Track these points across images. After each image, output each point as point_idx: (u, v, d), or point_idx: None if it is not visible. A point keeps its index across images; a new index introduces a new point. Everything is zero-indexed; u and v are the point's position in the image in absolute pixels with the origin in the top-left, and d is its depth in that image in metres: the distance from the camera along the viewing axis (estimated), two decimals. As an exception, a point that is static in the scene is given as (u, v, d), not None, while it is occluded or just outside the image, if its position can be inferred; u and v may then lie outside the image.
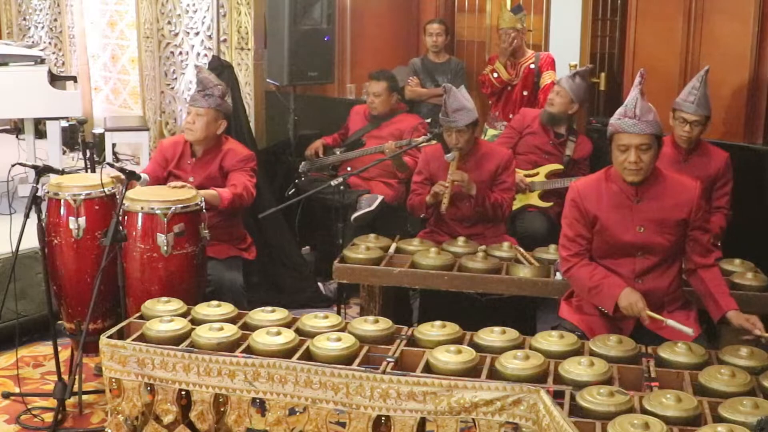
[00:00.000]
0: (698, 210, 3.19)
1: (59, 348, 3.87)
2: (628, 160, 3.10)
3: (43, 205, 3.76)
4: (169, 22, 6.22)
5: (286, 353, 2.90)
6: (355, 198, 5.14)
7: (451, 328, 3.09)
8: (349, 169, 5.30)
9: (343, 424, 2.90)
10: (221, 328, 3.02)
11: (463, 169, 4.15)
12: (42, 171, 3.76)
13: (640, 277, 3.24)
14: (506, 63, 5.63)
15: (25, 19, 8.37)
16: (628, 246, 3.22)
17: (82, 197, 3.75)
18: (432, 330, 3.07)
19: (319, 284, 5.22)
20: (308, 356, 2.91)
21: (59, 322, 3.96)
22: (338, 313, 4.15)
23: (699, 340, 3.11)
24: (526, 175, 4.94)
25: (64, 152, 6.49)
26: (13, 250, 3.76)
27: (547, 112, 4.91)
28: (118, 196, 3.72)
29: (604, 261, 3.29)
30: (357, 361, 2.87)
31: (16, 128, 7.13)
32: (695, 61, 4.99)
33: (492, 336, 3.02)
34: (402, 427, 2.76)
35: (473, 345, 2.99)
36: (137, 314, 3.29)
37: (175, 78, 6.32)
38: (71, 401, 3.70)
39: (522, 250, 4.04)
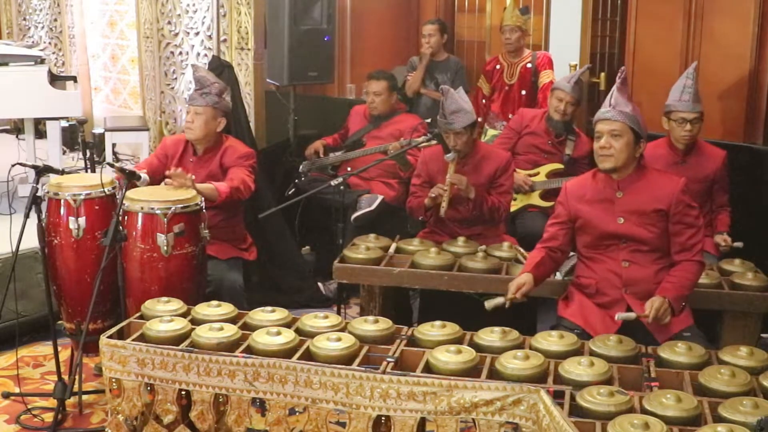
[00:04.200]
0: (678, 204, 3.26)
1: (59, 348, 3.87)
2: (599, 145, 3.25)
3: (43, 205, 3.76)
4: (169, 22, 6.21)
5: (286, 353, 2.90)
6: (355, 198, 5.15)
7: (451, 328, 3.09)
8: (349, 169, 5.30)
9: (343, 424, 2.90)
10: (221, 328, 3.02)
11: (461, 172, 4.15)
12: (42, 171, 3.76)
13: (625, 261, 3.34)
14: (492, 77, 5.77)
15: (25, 19, 8.36)
16: (611, 236, 3.34)
17: (82, 197, 3.75)
18: (432, 330, 3.08)
19: (319, 284, 5.22)
20: (308, 356, 2.91)
21: (59, 322, 3.96)
22: (338, 313, 4.15)
23: (699, 340, 3.12)
24: (527, 176, 4.94)
25: (64, 152, 6.49)
26: (13, 250, 3.76)
27: (561, 122, 4.89)
28: (118, 196, 3.72)
29: (592, 252, 3.41)
30: (357, 361, 2.87)
31: (16, 128, 7.13)
32: (695, 61, 4.99)
33: (492, 336, 3.02)
34: (402, 427, 2.76)
35: (473, 345, 2.99)
36: (137, 314, 3.29)
37: (175, 78, 6.32)
38: (71, 401, 3.70)
39: (522, 250, 4.04)
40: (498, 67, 5.79)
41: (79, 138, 5.68)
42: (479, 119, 5.74)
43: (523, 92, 5.69)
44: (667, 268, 3.33)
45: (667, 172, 3.53)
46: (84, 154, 5.42)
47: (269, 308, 3.24)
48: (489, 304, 3.20)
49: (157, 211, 3.63)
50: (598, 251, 3.38)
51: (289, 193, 5.36)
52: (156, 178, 4.17)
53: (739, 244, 3.99)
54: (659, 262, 3.33)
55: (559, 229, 3.45)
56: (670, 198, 3.25)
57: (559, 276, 3.72)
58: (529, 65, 5.67)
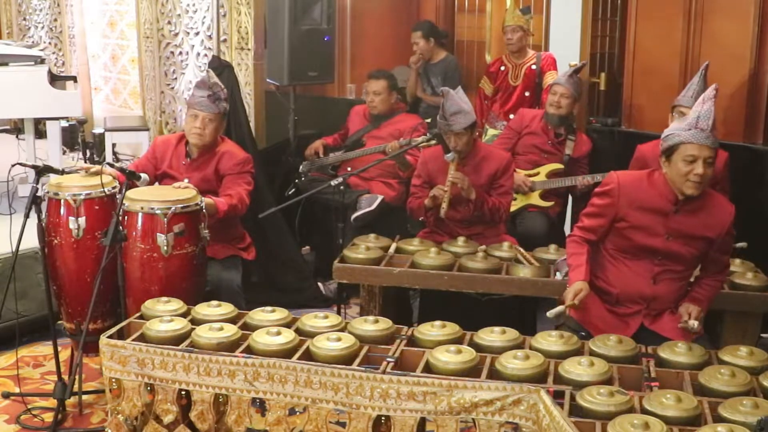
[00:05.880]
0: (727, 234, 3.20)
1: (59, 348, 3.87)
2: (694, 172, 3.03)
3: (43, 205, 3.76)
4: (169, 22, 6.21)
5: (286, 353, 2.90)
6: (355, 198, 5.15)
7: (451, 328, 3.09)
8: (349, 169, 5.30)
9: (343, 424, 2.90)
10: (221, 328, 3.02)
11: (461, 172, 4.15)
12: (42, 171, 3.76)
13: (655, 278, 3.26)
14: (493, 76, 5.79)
15: (25, 19, 8.36)
16: (651, 250, 3.23)
17: (82, 197, 3.75)
18: (432, 330, 3.08)
19: (319, 284, 5.22)
20: (308, 356, 2.91)
21: (59, 322, 3.96)
22: (338, 313, 4.15)
23: (699, 340, 3.12)
24: (527, 176, 4.94)
25: (64, 152, 6.48)
26: (13, 250, 3.76)
27: (557, 116, 4.90)
28: (118, 196, 3.72)
29: (622, 256, 3.30)
30: (357, 361, 2.87)
31: (16, 128, 7.12)
32: (695, 61, 4.98)
33: (492, 336, 3.02)
34: (402, 427, 2.77)
35: (473, 345, 2.99)
36: (137, 314, 3.29)
37: (175, 78, 6.32)
38: (71, 401, 3.70)
39: (522, 250, 4.04)
40: (503, 68, 5.78)
41: (79, 138, 5.69)
42: (482, 120, 5.76)
43: (527, 93, 5.69)
44: (686, 285, 3.33)
45: (719, 193, 3.39)
46: (84, 154, 5.42)
47: (269, 308, 3.24)
48: (551, 313, 3.11)
49: (157, 211, 3.63)
50: (629, 258, 3.29)
51: (289, 193, 5.36)
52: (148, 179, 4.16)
53: (742, 245, 3.98)
54: (683, 282, 3.31)
55: (600, 225, 3.29)
56: (721, 229, 3.18)
57: (559, 276, 3.72)
58: (533, 66, 5.67)
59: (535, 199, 4.93)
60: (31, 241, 3.78)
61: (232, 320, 3.19)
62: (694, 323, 3.13)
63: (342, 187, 4.39)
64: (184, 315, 3.23)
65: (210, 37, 5.85)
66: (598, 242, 3.36)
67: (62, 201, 3.75)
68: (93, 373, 4.02)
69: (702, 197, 3.17)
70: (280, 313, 3.21)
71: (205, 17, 5.88)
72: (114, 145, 6.72)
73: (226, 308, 3.27)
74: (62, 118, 5.80)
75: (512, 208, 4.61)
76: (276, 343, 2.93)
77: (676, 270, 3.26)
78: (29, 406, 3.74)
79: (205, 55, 5.90)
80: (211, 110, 4.12)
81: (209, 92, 4.13)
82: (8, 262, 4.14)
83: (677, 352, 2.90)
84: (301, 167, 5.55)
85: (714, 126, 3.03)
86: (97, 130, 6.99)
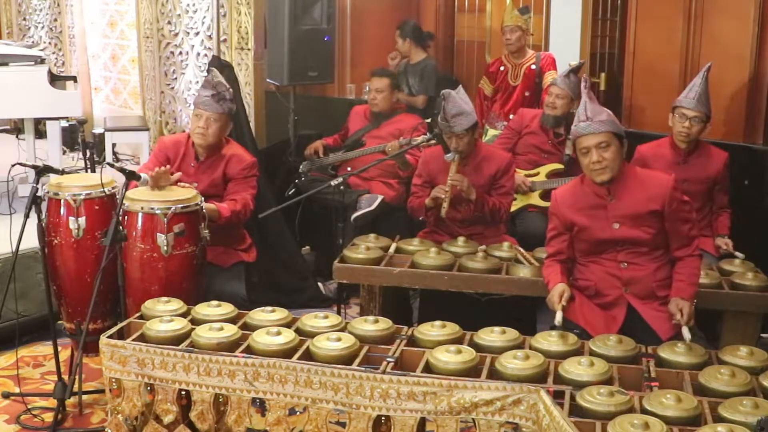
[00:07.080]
0: (672, 202, 3.25)
1: (59, 348, 3.87)
2: (592, 161, 3.21)
3: (43, 205, 3.76)
4: (169, 22, 6.22)
5: (286, 353, 2.90)
6: (355, 198, 5.14)
7: (451, 328, 3.09)
8: (349, 169, 5.30)
9: (343, 424, 2.90)
10: (221, 328, 3.02)
11: (462, 172, 4.16)
12: (42, 171, 3.76)
13: (623, 264, 3.34)
14: (492, 76, 5.81)
15: (25, 19, 8.37)
16: (608, 242, 3.33)
17: (82, 197, 3.74)
18: (432, 330, 3.08)
19: (319, 284, 5.22)
20: (308, 356, 2.91)
21: (59, 322, 3.96)
22: (338, 313, 4.14)
23: (699, 340, 3.12)
24: (527, 175, 4.94)
25: (64, 152, 6.49)
26: (13, 250, 3.75)
27: (552, 116, 4.91)
28: (118, 196, 3.72)
29: (588, 257, 3.41)
30: (357, 361, 2.87)
31: (16, 128, 7.12)
32: (695, 61, 4.99)
33: (492, 336, 3.02)
34: (402, 427, 2.77)
35: (473, 345, 3.00)
36: (137, 314, 3.29)
37: (175, 78, 6.32)
38: (71, 401, 3.70)
39: (522, 250, 4.04)
40: (502, 68, 5.78)
41: (79, 138, 5.68)
42: (483, 120, 5.76)
43: (527, 93, 5.69)
44: (666, 264, 3.35)
45: (654, 170, 3.53)
46: (84, 154, 5.42)
47: (269, 308, 3.24)
48: (558, 321, 3.20)
49: (157, 211, 3.63)
50: (595, 256, 3.40)
51: (289, 193, 5.35)
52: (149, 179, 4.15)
53: (741, 256, 3.98)
54: (657, 260, 3.34)
55: (561, 242, 3.46)
56: (663, 198, 3.24)
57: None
58: (533, 66, 5.67)
59: (534, 199, 4.93)
60: (31, 241, 3.78)
61: (232, 320, 3.19)
62: (687, 336, 3.10)
63: (342, 187, 4.39)
64: (184, 315, 3.23)
65: (210, 37, 5.86)
66: (571, 257, 3.48)
67: (62, 201, 3.75)
68: (93, 373, 4.02)
69: (630, 178, 3.29)
70: (280, 313, 3.21)
71: (205, 17, 5.88)
72: (114, 145, 6.73)
73: (226, 308, 3.27)
74: (62, 118, 5.80)
75: (512, 208, 4.61)
76: (276, 343, 2.93)
77: (641, 252, 3.32)
78: (29, 406, 3.74)
79: (205, 55, 5.91)
80: (215, 110, 4.11)
81: (213, 91, 4.12)
82: (8, 262, 4.13)
83: (677, 352, 2.90)
84: (301, 167, 5.55)
85: (597, 113, 3.20)
86: (97, 130, 6.99)
